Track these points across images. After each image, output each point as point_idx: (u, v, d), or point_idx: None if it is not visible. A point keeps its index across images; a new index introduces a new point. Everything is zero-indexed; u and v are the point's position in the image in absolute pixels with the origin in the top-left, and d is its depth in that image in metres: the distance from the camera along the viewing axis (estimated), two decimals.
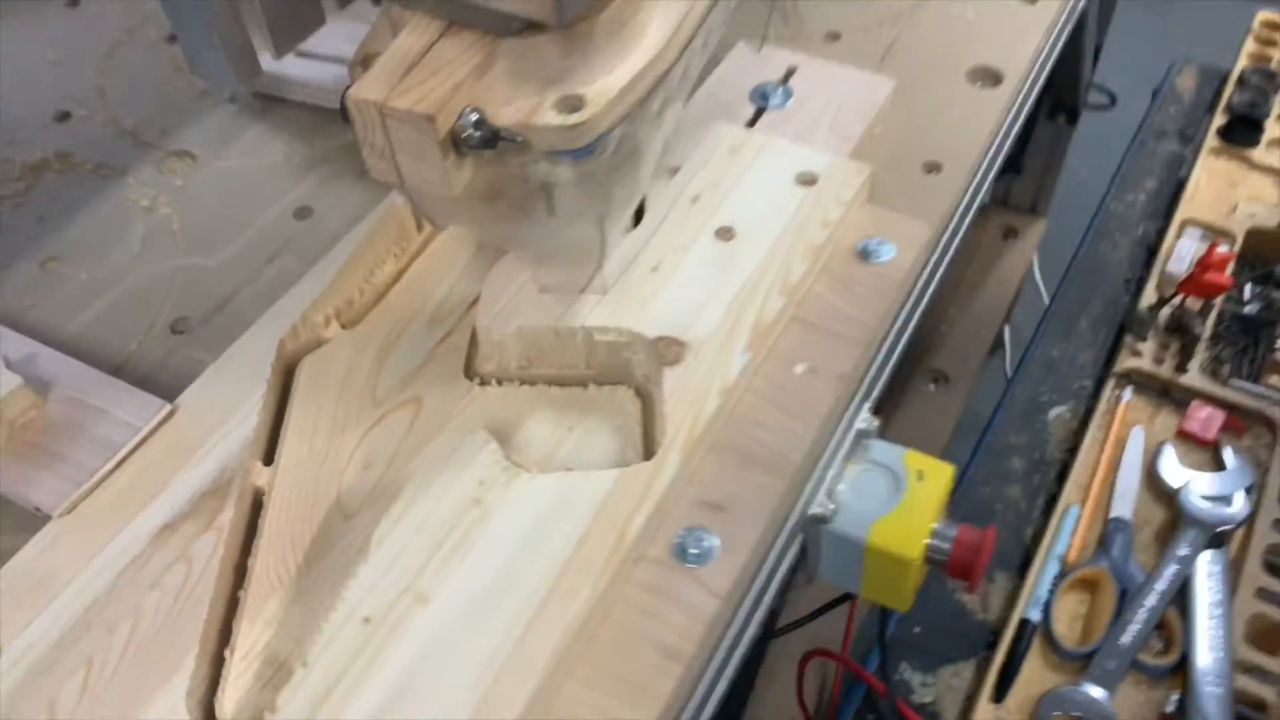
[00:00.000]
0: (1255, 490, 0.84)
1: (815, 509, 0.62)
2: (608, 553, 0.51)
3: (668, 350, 0.58)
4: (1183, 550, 0.79)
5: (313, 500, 0.55)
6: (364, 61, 0.49)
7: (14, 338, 0.63)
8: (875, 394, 0.69)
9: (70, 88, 0.86)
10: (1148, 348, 0.92)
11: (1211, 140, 1.08)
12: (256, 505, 0.55)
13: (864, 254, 0.65)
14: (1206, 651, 0.74)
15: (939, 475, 0.64)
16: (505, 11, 0.46)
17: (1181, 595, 0.78)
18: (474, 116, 0.45)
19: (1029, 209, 1.72)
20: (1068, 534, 0.83)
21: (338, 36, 0.75)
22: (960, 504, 0.91)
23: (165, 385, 0.61)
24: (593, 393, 0.60)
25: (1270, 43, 1.19)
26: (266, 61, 0.53)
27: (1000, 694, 0.76)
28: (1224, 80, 1.17)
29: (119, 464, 0.56)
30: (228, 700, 0.48)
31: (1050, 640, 0.77)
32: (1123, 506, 0.83)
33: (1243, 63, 1.16)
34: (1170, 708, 0.74)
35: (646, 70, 0.50)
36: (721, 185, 0.67)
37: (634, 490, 0.53)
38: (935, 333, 1.59)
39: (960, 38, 0.82)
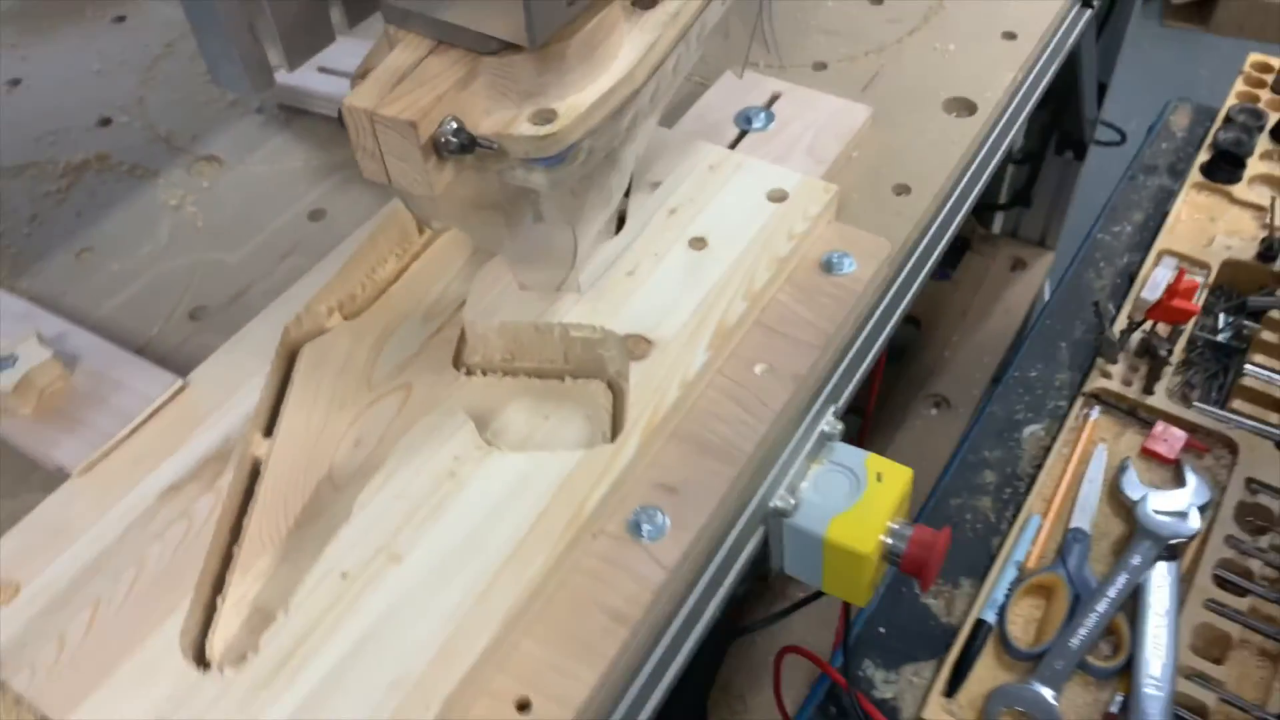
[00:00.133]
0: (1211, 508, 0.87)
1: (777, 503, 0.66)
2: (565, 524, 0.56)
3: (636, 346, 0.64)
4: (1135, 560, 0.83)
5: (306, 471, 0.60)
6: (363, 75, 0.55)
7: (48, 317, 0.70)
8: (842, 400, 0.74)
9: (113, 96, 0.93)
10: (1117, 369, 0.96)
11: (1195, 175, 1.12)
12: (254, 472, 0.61)
13: (827, 266, 0.70)
14: (1152, 656, 0.78)
15: (897, 477, 0.69)
16: (484, 33, 0.51)
17: (1133, 603, 0.82)
18: (453, 125, 0.51)
19: (1038, 241, 1.76)
20: (1028, 542, 0.87)
21: (356, 55, 0.81)
22: (932, 514, 0.95)
23: (181, 365, 0.67)
24: (568, 385, 0.65)
25: (1260, 83, 1.23)
26: (283, 74, 0.58)
27: (953, 690, 0.80)
28: (1215, 118, 1.21)
29: (133, 430, 0.62)
30: (217, 640, 0.54)
31: (1004, 641, 0.81)
32: (1082, 518, 0.87)
33: (1232, 101, 1.20)
34: (1114, 708, 0.78)
35: (615, 90, 0.56)
36: (698, 199, 0.72)
37: (594, 470, 0.58)
38: (939, 359, 1.63)
39: (939, 70, 0.87)
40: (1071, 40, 1.03)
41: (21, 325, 0.67)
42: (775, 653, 0.96)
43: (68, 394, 0.64)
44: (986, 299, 1.71)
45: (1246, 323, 0.99)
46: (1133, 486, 0.88)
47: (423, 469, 0.59)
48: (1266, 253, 1.02)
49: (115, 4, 1.03)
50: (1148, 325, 0.95)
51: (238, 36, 0.55)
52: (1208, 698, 0.77)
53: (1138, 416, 0.94)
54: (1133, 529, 0.86)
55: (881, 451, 0.69)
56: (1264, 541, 0.86)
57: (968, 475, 0.96)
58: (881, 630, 0.87)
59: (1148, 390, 0.95)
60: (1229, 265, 1.03)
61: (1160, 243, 1.06)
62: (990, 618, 0.83)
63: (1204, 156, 1.14)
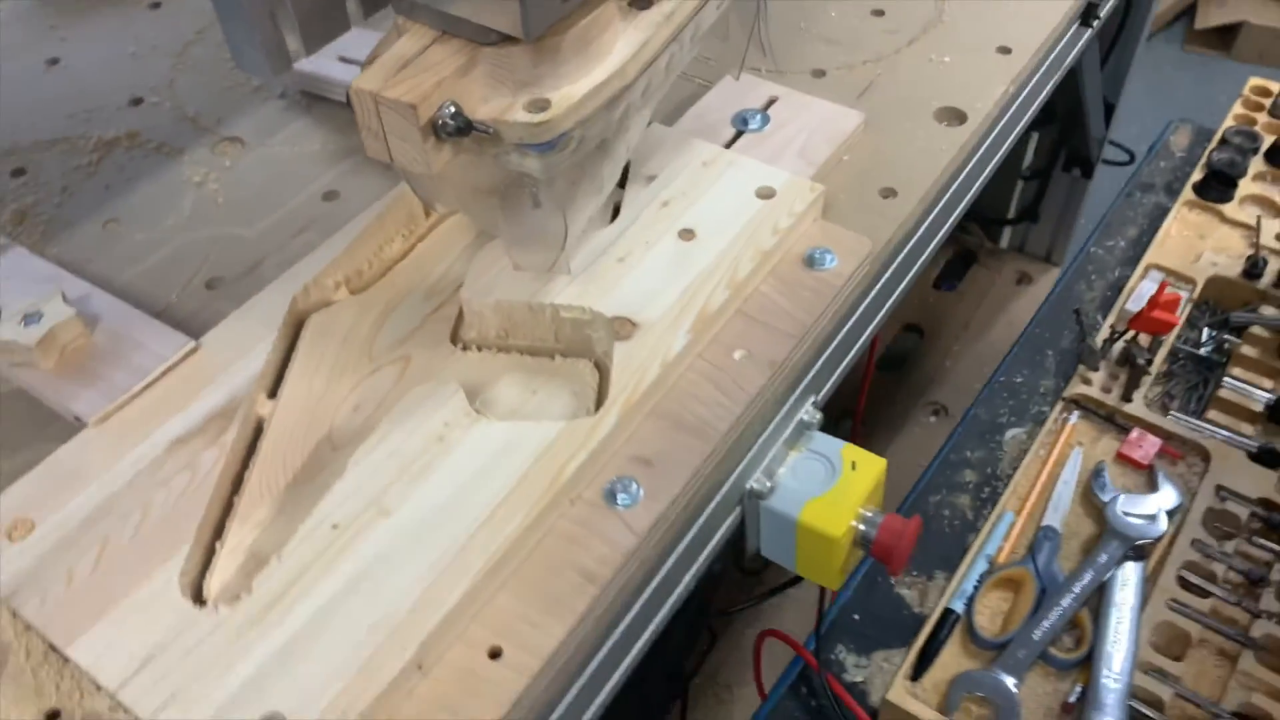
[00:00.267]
0: (1180, 513, 0.90)
1: (754, 485, 0.70)
2: (544, 489, 0.59)
3: (622, 328, 0.67)
4: (1103, 558, 0.86)
5: (307, 431, 0.64)
6: (372, 60, 0.59)
7: (74, 280, 0.74)
8: (823, 391, 0.77)
9: (145, 78, 0.98)
10: (1098, 377, 0.99)
11: (1187, 193, 1.15)
12: (257, 430, 0.65)
13: (809, 261, 0.73)
14: (1114, 650, 0.81)
15: (871, 467, 0.72)
16: (483, 24, 0.55)
17: (1098, 599, 0.85)
18: (451, 109, 0.55)
19: (1044, 257, 1.79)
20: (1000, 537, 0.90)
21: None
22: (911, 509, 0.98)
23: (195, 329, 0.71)
24: (558, 363, 0.69)
25: (1258, 106, 1.25)
26: (305, 62, 0.63)
27: (918, 674, 0.83)
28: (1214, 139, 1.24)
29: (146, 386, 0.66)
30: (214, 582, 0.58)
31: (970, 630, 0.84)
32: (1054, 517, 0.90)
33: (1229, 123, 1.23)
34: (1072, 698, 0.81)
35: (608, 83, 0.60)
36: (690, 193, 0.76)
37: (574, 440, 0.61)
38: (939, 368, 1.66)
39: (933, 80, 0.90)
40: (1071, 58, 1.06)
41: (48, 287, 0.71)
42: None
43: (88, 351, 0.68)
44: (990, 311, 1.74)
45: (1228, 337, 1.01)
46: (1105, 489, 0.91)
47: (415, 431, 0.62)
48: (1252, 270, 1.05)
49: None
50: (1130, 335, 0.98)
51: (259, 23, 0.59)
52: (1164, 692, 0.80)
53: (1115, 423, 0.97)
54: (1103, 529, 0.89)
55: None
56: (1229, 547, 0.89)
57: (949, 473, 0.99)
58: (856, 617, 0.90)
59: (1126, 398, 0.97)
60: (1214, 281, 1.06)
61: (1149, 257, 1.09)
62: (959, 607, 0.86)
63: (1197, 175, 1.17)
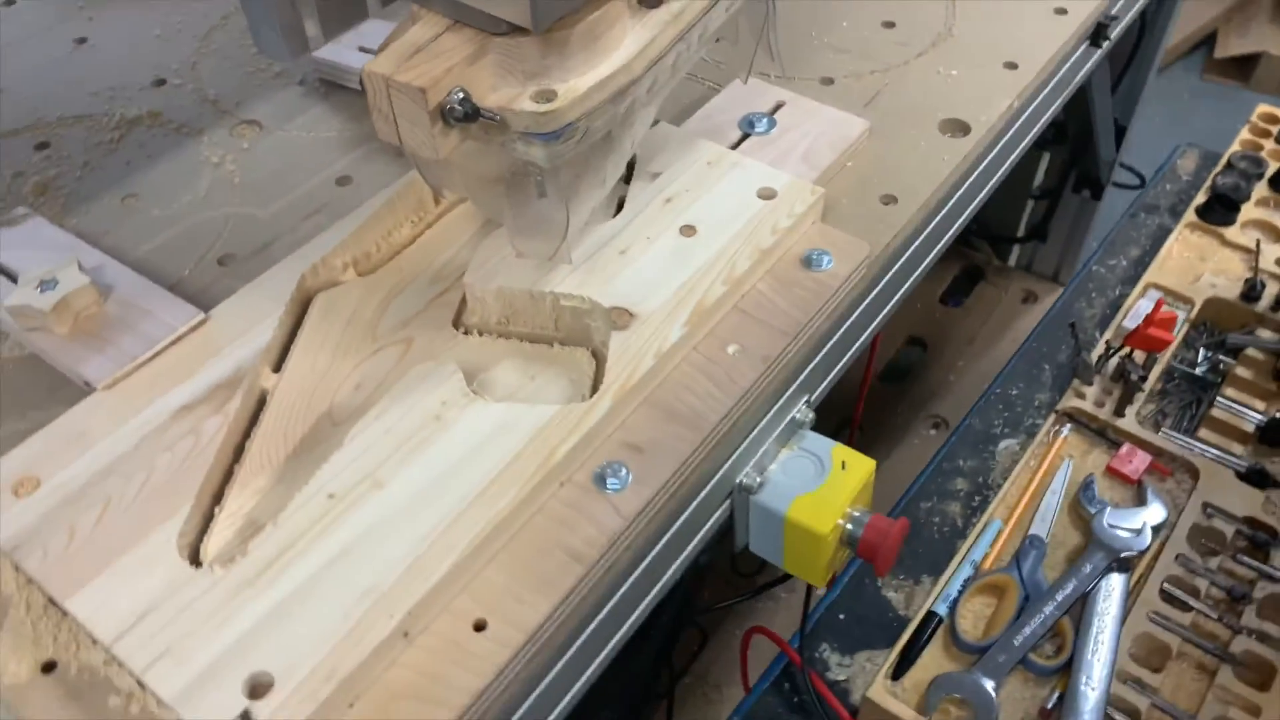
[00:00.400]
0: (1167, 527, 0.91)
1: (744, 479, 0.71)
2: (534, 469, 0.61)
3: (619, 318, 0.69)
4: (1087, 569, 0.87)
5: (308, 405, 0.66)
6: (387, 46, 0.61)
7: (90, 251, 0.76)
8: (817, 391, 0.79)
9: (169, 60, 1.00)
10: (1091, 391, 1.00)
11: (1190, 215, 1.16)
12: (261, 401, 0.66)
13: (807, 262, 0.75)
14: (1093, 659, 0.82)
15: (861, 467, 0.73)
16: (494, 15, 0.57)
17: (1081, 609, 0.86)
18: (460, 95, 0.57)
19: (1051, 276, 1.79)
20: (986, 544, 0.91)
21: None
22: (902, 515, 0.99)
23: (205, 303, 0.72)
24: (556, 350, 0.71)
25: (1265, 133, 1.26)
26: (325, 50, 0.65)
27: (899, 674, 0.84)
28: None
29: (155, 354, 0.68)
30: (211, 545, 0.59)
31: (953, 633, 0.86)
32: (1041, 526, 0.91)
33: (1235, 148, 1.24)
34: (1050, 704, 0.82)
35: (613, 77, 0.61)
36: (693, 191, 0.77)
37: (567, 423, 0.63)
38: (942, 382, 1.67)
39: (939, 92, 0.92)
40: (1079, 77, 1.07)
41: (65, 255, 0.73)
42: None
43: (100, 318, 0.70)
44: (995, 328, 1.75)
45: (1223, 358, 1.02)
46: (1093, 501, 0.92)
47: (413, 409, 0.64)
48: (1250, 293, 1.06)
49: None
50: (1125, 351, 0.99)
51: (279, 7, 0.61)
52: (1141, 703, 0.81)
53: (1106, 437, 0.98)
54: (1088, 540, 0.90)
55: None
56: (1214, 563, 0.90)
57: (941, 481, 1.00)
58: (842, 617, 0.91)
59: (1118, 413, 0.99)
60: (1212, 303, 1.07)
61: (1149, 276, 1.10)
62: (942, 611, 0.87)
63: (1201, 198, 1.18)
